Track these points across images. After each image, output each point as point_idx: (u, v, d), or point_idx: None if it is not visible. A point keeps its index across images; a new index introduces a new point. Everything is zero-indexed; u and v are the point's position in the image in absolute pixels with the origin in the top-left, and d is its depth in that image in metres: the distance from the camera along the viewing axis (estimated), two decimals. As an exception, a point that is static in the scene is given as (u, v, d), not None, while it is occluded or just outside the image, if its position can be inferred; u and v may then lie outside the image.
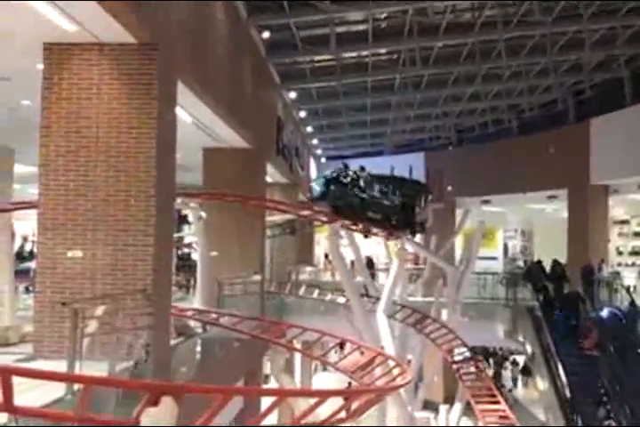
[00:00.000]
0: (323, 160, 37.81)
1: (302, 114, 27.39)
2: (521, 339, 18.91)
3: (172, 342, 9.55)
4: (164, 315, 8.92)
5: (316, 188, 14.20)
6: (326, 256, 29.22)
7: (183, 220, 16.74)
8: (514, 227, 34.82)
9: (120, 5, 7.48)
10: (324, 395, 5.14)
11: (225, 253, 15.16)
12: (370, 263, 23.54)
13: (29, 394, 4.27)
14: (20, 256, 14.98)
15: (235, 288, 14.74)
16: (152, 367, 7.85)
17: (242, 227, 15.83)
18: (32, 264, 12.15)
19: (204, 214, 14.73)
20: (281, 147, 22.53)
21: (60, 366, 5.85)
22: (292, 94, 24.09)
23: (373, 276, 21.63)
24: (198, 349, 11.46)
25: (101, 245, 8.47)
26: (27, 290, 12.39)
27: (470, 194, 30.05)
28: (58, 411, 4.96)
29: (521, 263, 31.52)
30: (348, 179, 14.15)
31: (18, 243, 17.13)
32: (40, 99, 8.77)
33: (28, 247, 20.71)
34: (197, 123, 13.74)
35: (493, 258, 31.82)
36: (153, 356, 7.96)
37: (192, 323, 11.28)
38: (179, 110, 10.55)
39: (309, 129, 30.55)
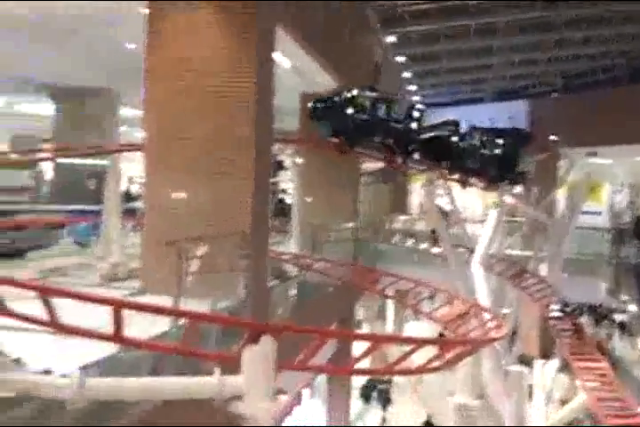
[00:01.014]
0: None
1: (401, 59, 26.72)
2: (624, 297, 18.23)
3: (269, 284, 9.78)
4: (262, 257, 9.10)
5: None
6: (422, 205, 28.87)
7: (279, 165, 16.88)
8: (621, 180, 33.14)
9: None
10: (420, 343, 5.16)
11: (320, 199, 15.24)
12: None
13: (134, 327, 4.48)
14: (127, 196, 15.59)
15: (329, 234, 14.84)
16: (250, 307, 8.09)
17: (337, 174, 15.80)
18: (138, 204, 12.60)
19: (300, 160, 14.77)
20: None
21: (165, 301, 6.09)
22: (391, 39, 23.47)
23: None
24: (293, 292, 11.67)
25: (202, 188, 8.68)
26: (133, 228, 12.91)
27: (576, 145, 28.66)
28: (164, 343, 5.23)
29: (627, 219, 30.07)
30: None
31: (124, 184, 17.80)
32: (144, 43, 8.93)
33: (134, 188, 21.62)
34: (295, 67, 13.66)
35: (598, 213, 30.51)
36: (251, 296, 8.20)
37: (288, 267, 11.49)
38: (277, 55, 10.48)
39: (407, 75, 29.82)
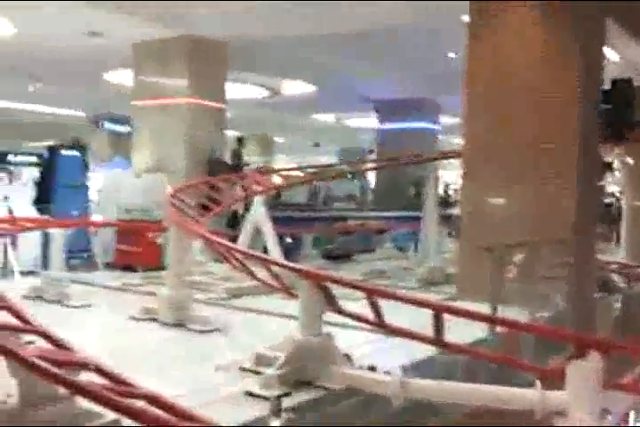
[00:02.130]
0: None
1: None
2: None
3: (595, 294, 9.15)
4: (586, 266, 8.57)
5: None
6: None
7: (607, 167, 15.70)
8: None
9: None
10: None
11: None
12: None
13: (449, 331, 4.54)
14: (444, 203, 15.93)
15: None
16: (572, 320, 7.67)
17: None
18: (454, 210, 12.81)
19: (631, 160, 13.55)
20: None
21: (480, 308, 6.06)
22: None
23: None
24: (620, 306, 10.78)
25: (523, 193, 8.50)
26: (449, 234, 13.16)
27: None
28: (485, 351, 5.21)
29: None
30: None
31: (441, 190, 18.18)
32: (464, 50, 9.10)
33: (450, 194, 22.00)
34: (625, 59, 12.60)
35: None
36: (574, 308, 7.77)
37: (616, 277, 10.63)
38: (606, 50, 9.84)
39: None
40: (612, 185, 19.76)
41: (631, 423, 11.40)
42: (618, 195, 19.18)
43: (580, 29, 8.35)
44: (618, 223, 14.67)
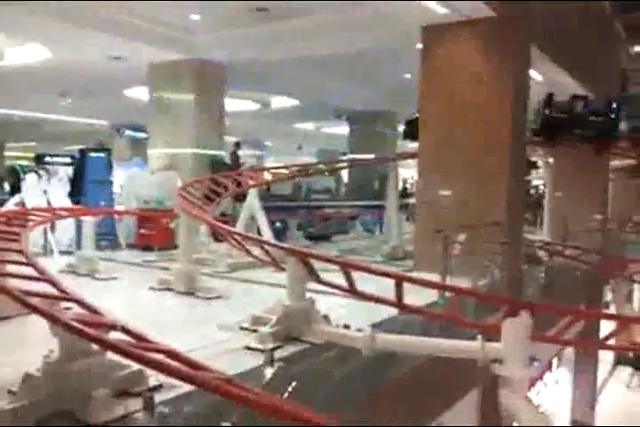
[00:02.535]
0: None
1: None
2: None
3: (523, 266, 9.27)
4: (516, 244, 8.67)
5: None
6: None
7: (532, 165, 15.83)
8: None
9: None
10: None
11: (569, 194, 14.01)
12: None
13: (409, 296, 4.56)
14: (403, 194, 15.96)
15: (578, 225, 13.53)
16: (505, 286, 7.76)
17: (586, 170, 14.34)
18: (411, 200, 12.86)
19: (551, 160, 13.71)
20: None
21: (433, 277, 6.10)
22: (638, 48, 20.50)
23: None
24: (543, 275, 10.91)
25: (465, 186, 8.57)
26: (407, 219, 13.21)
27: None
28: (436, 311, 5.26)
29: None
30: None
31: (400, 184, 18.21)
32: (418, 72, 9.11)
33: (407, 187, 22.10)
34: (547, 79, 12.68)
35: None
36: (506, 277, 7.85)
37: (540, 253, 10.75)
38: (532, 71, 9.89)
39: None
40: (536, 179, 19.91)
41: (554, 368, 11.62)
42: (541, 187, 19.36)
43: (511, 56, 8.40)
44: (540, 209, 14.84)
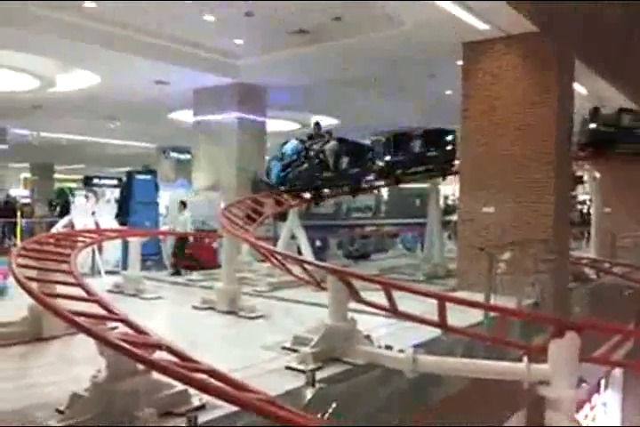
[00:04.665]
0: None
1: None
2: None
3: (570, 285, 8.99)
4: (563, 261, 8.44)
5: None
6: None
7: (579, 180, 15.44)
8: None
9: (524, 3, 7.23)
10: None
11: (617, 209, 13.60)
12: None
13: (452, 317, 4.49)
14: (446, 211, 15.79)
15: (627, 241, 13.07)
16: (552, 305, 7.54)
17: (634, 185, 13.91)
18: (453, 217, 12.69)
19: (597, 175, 13.33)
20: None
21: (476, 297, 5.99)
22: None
23: None
24: (591, 293, 10.56)
25: (510, 203, 8.46)
26: (449, 237, 13.03)
27: None
28: (481, 332, 5.15)
29: None
30: None
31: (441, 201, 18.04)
32: (461, 87, 9.07)
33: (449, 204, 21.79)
34: (591, 92, 12.42)
35: None
36: (552, 296, 7.63)
37: (587, 270, 10.42)
38: (576, 84, 9.72)
39: None
40: (583, 194, 19.39)
41: (602, 390, 11.15)
42: (588, 202, 18.84)
43: (553, 71, 8.28)
44: (587, 226, 14.42)
